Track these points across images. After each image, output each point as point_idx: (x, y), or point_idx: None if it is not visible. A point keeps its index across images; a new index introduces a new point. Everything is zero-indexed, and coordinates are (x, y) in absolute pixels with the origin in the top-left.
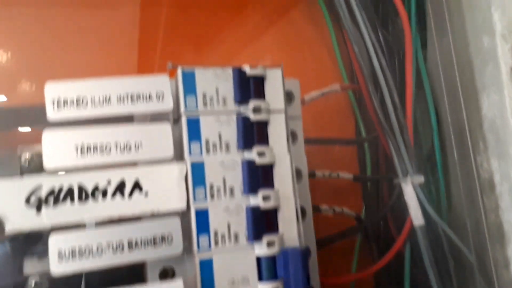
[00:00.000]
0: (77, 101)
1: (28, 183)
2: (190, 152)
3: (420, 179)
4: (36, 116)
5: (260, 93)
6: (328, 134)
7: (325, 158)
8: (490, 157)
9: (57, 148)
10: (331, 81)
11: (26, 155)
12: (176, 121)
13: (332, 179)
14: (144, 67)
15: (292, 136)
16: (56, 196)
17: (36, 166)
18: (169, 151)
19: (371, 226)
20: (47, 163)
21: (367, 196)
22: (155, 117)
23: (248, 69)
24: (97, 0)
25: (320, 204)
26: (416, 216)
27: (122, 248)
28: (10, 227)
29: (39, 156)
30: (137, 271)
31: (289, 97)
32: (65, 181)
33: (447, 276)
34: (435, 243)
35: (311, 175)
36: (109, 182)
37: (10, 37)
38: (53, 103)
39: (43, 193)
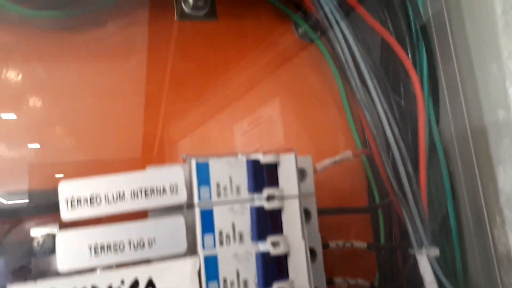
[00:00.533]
0: (90, 199)
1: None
2: (203, 246)
3: (436, 252)
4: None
5: (273, 181)
6: (341, 199)
7: (338, 226)
8: (507, 232)
9: (71, 250)
10: (342, 140)
11: (38, 238)
12: (190, 206)
13: (346, 248)
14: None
15: (305, 214)
16: None
17: (49, 248)
18: (183, 246)
19: None
20: (61, 266)
21: (382, 264)
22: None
23: (261, 157)
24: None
25: (334, 277)
26: None
27: None
28: None
29: (52, 237)
30: None
31: (301, 174)
32: (78, 284)
33: None
34: None
35: (325, 246)
36: (122, 282)
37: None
38: (67, 203)
39: None
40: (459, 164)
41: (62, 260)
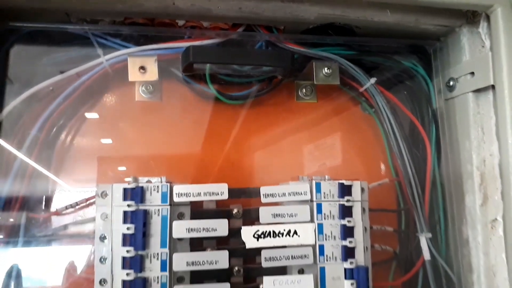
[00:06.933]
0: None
1: None
2: (316, 219)
3: (429, 235)
4: None
5: (349, 193)
6: (381, 204)
7: (378, 218)
8: (468, 228)
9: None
10: (382, 170)
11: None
12: (311, 201)
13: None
14: None
15: (363, 210)
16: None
17: None
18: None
19: (403, 258)
20: None
21: (401, 241)
22: None
23: (345, 182)
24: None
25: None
26: (426, 254)
27: None
28: None
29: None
30: None
31: (362, 190)
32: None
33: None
34: (437, 271)
35: (371, 227)
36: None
37: None
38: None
39: None
40: (452, 191)
41: None
